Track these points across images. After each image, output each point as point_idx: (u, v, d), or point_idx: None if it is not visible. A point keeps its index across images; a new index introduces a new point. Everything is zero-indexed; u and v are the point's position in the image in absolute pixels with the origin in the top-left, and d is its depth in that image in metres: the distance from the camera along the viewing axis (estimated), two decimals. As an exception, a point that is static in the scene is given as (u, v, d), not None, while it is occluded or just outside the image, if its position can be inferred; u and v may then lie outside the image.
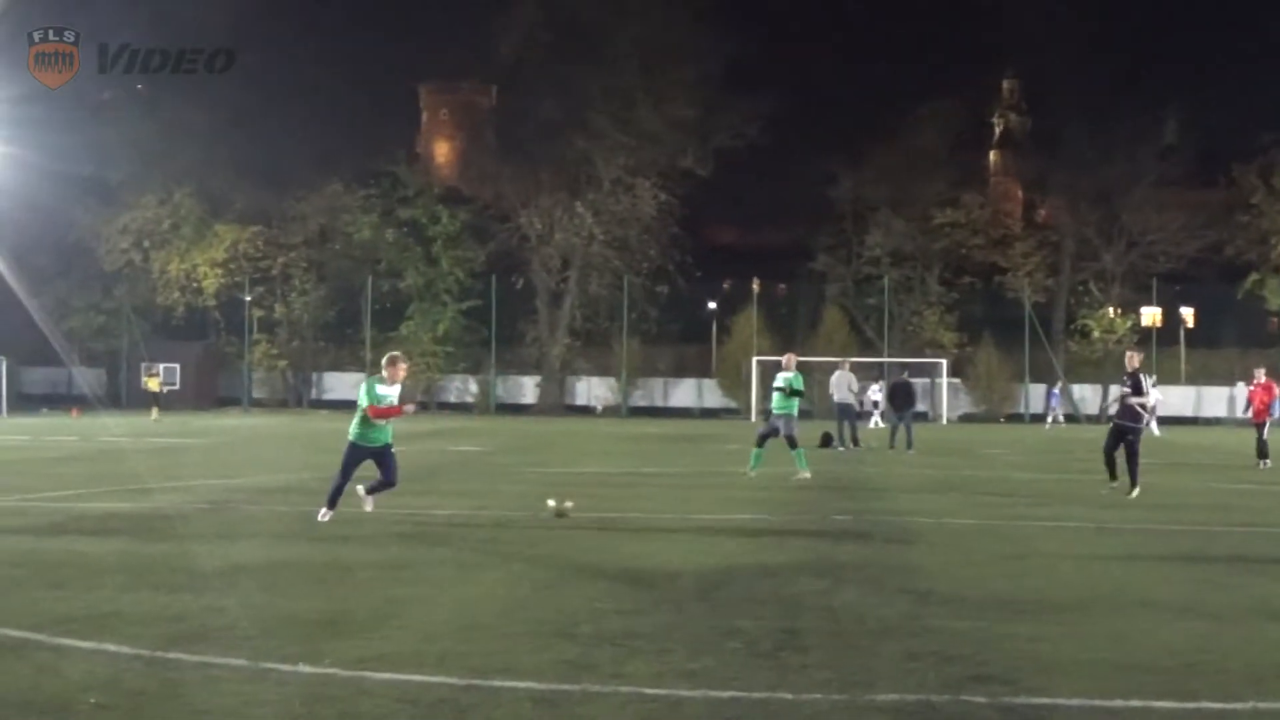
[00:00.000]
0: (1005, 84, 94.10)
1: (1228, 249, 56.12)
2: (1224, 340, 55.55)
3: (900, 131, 59.02)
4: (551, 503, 12.92)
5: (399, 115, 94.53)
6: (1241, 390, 38.06)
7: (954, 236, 58.13)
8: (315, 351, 59.65)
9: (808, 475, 17.89)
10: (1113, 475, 16.02)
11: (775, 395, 18.69)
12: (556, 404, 57.07)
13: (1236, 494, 17.31)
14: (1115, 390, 17.38)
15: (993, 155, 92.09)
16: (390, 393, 12.19)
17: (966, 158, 63.55)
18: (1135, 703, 5.77)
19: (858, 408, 29.61)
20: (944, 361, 53.02)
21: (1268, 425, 22.96)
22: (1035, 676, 6.23)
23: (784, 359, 19.71)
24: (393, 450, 12.34)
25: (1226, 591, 8.88)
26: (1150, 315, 55.87)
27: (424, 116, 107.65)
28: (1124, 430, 15.84)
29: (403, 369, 12.41)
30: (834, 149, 60.33)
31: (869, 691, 5.91)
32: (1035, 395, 55.54)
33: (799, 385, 18.78)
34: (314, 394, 59.04)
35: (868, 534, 11.98)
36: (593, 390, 59.12)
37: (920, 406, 39.68)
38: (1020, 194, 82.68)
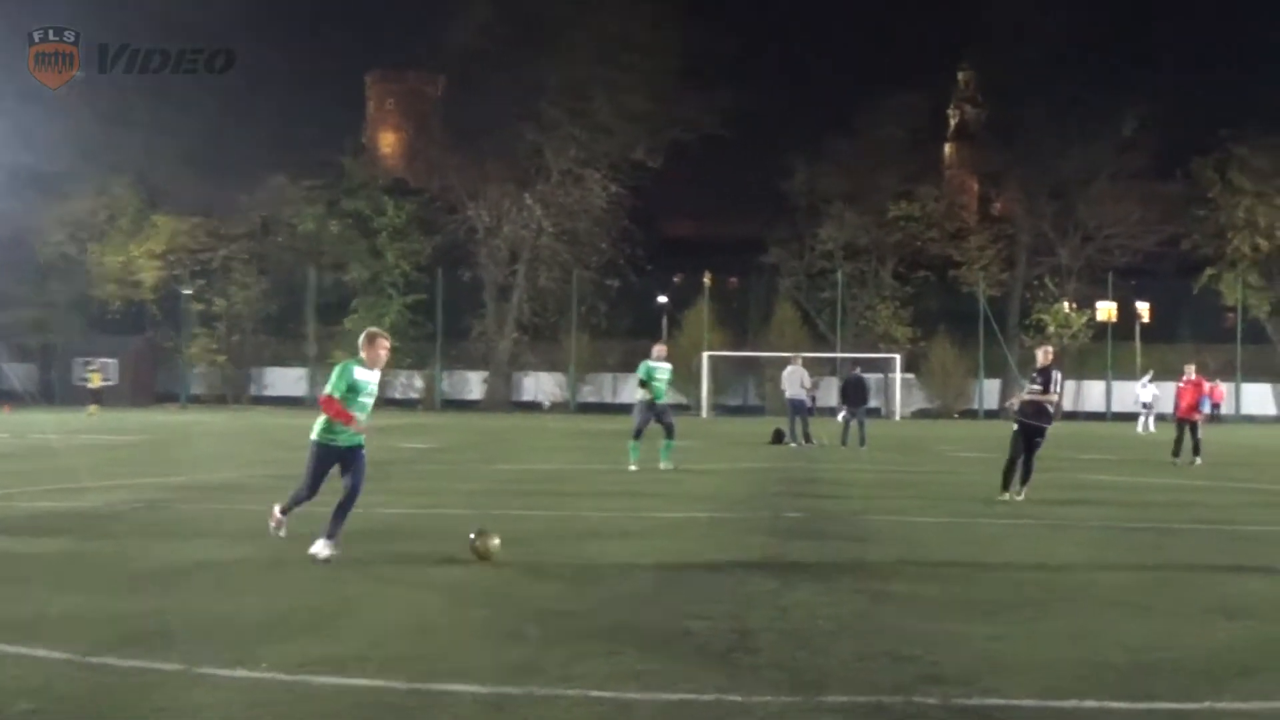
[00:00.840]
0: (961, 75, 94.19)
1: (1184, 243, 56.70)
2: (1180, 335, 55.94)
3: (855, 124, 58.97)
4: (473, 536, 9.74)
5: (344, 105, 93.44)
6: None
7: (908, 230, 58.36)
8: (256, 346, 58.99)
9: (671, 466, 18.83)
10: (1007, 485, 14.73)
11: (657, 386, 18.95)
12: (503, 400, 56.83)
13: (1194, 490, 17.39)
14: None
15: (948, 148, 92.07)
16: (370, 379, 9.93)
17: (921, 150, 63.31)
18: (1090, 703, 5.70)
19: (810, 404, 29.48)
20: (897, 356, 53.26)
21: (1200, 424, 23.10)
22: (990, 677, 6.15)
23: (658, 349, 19.84)
24: (363, 452, 9.99)
25: (1185, 590, 8.87)
26: (1106, 310, 56.06)
27: (370, 106, 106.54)
28: (1031, 431, 14.77)
29: (384, 348, 10.00)
30: (788, 142, 60.42)
31: (820, 693, 5.82)
32: (990, 391, 55.74)
33: (670, 379, 19.84)
34: (254, 390, 58.37)
35: (820, 532, 11.90)
36: (541, 386, 58.88)
37: (873, 402, 39.79)
38: (975, 187, 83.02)
